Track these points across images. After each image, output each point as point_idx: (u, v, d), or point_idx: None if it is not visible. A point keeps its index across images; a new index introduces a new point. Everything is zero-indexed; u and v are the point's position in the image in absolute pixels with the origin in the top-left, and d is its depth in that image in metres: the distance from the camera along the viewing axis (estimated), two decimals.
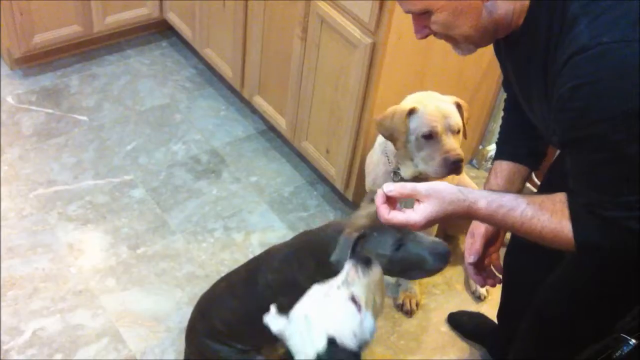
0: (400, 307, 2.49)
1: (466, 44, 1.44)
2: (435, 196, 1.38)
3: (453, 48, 1.48)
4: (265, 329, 1.75)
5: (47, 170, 2.87)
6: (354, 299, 1.48)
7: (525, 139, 1.73)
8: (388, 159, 2.24)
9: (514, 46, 1.44)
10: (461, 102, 2.15)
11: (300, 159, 3.03)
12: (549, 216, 1.35)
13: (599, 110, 1.22)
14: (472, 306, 2.59)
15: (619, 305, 1.66)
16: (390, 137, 2.18)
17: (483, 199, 1.38)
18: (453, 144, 2.07)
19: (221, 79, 3.31)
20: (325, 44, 2.49)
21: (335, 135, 2.65)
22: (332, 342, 1.42)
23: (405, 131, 2.11)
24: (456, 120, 2.10)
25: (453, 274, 2.69)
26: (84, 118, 3.12)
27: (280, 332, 1.53)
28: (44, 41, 3.17)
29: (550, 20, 1.31)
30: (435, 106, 2.10)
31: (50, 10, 3.09)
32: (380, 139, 2.32)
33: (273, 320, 1.55)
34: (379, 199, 1.42)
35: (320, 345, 1.43)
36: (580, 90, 1.23)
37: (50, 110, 3.13)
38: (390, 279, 2.63)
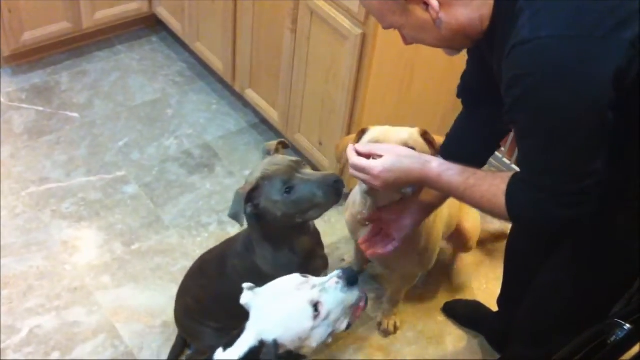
0: (379, 327, 2.48)
1: (445, 49, 1.54)
2: (392, 152, 1.60)
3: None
4: (235, 310, 1.75)
5: (39, 168, 2.86)
6: (316, 305, 1.52)
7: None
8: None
9: (489, 46, 1.50)
10: (430, 134, 1.94)
11: (293, 151, 3.02)
12: (488, 187, 1.48)
13: (530, 101, 1.32)
14: (467, 294, 2.59)
15: (617, 289, 1.69)
16: (339, 160, 2.03)
17: (435, 161, 1.57)
18: None
19: (212, 72, 3.30)
20: (315, 35, 2.48)
21: (327, 126, 2.65)
22: (275, 342, 1.50)
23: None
24: (402, 139, 1.85)
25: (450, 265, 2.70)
26: (75, 115, 3.11)
27: (246, 304, 1.59)
28: (33, 38, 3.15)
29: (504, 17, 1.38)
30: (385, 129, 1.92)
31: (38, 7, 3.07)
32: None
33: (244, 294, 1.60)
34: (350, 147, 1.66)
35: (266, 336, 1.51)
36: (518, 80, 1.32)
37: (41, 108, 3.11)
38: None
